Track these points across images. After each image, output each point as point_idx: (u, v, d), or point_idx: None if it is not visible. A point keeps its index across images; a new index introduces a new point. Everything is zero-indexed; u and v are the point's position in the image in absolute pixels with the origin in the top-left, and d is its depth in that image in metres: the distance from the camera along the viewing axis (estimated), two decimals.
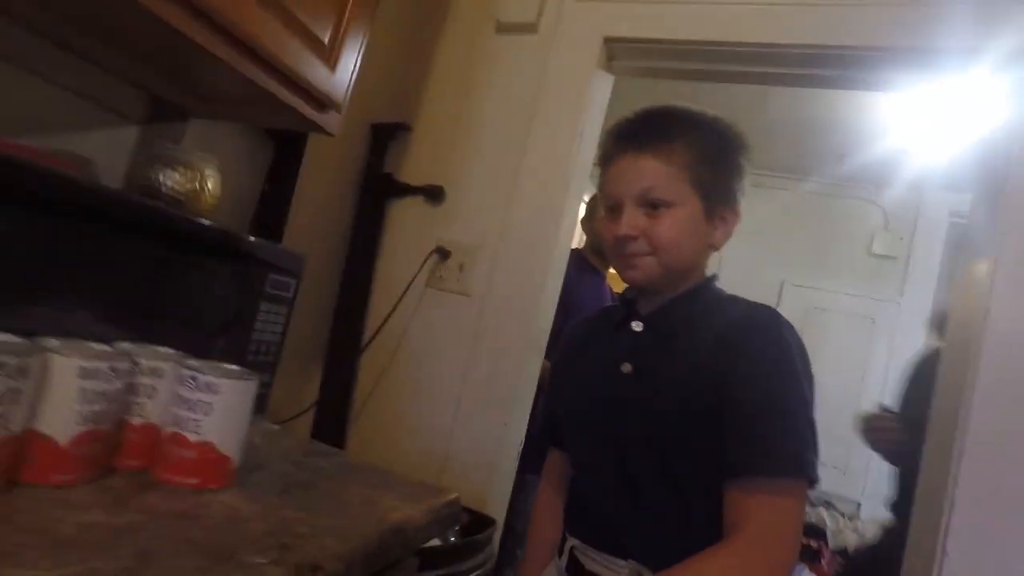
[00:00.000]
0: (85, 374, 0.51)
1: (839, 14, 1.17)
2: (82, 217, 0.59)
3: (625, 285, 0.85)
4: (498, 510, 1.30)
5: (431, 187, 1.44)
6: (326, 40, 0.86)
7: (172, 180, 0.87)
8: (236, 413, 0.60)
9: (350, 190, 1.45)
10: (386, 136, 1.46)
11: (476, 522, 1.17)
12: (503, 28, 1.47)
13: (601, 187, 0.80)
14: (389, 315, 1.35)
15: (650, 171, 0.74)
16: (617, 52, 1.40)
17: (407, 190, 1.45)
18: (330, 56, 0.88)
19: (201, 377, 0.58)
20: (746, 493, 0.66)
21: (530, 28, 1.44)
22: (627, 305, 0.83)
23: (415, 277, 1.37)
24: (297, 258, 0.88)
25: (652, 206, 0.74)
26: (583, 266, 1.74)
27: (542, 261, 1.33)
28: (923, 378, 1.51)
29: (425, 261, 1.38)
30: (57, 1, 0.69)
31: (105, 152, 0.92)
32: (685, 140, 0.74)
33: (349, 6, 0.89)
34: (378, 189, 1.45)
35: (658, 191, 0.73)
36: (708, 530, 0.68)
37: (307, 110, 0.89)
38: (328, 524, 0.58)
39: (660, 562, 0.67)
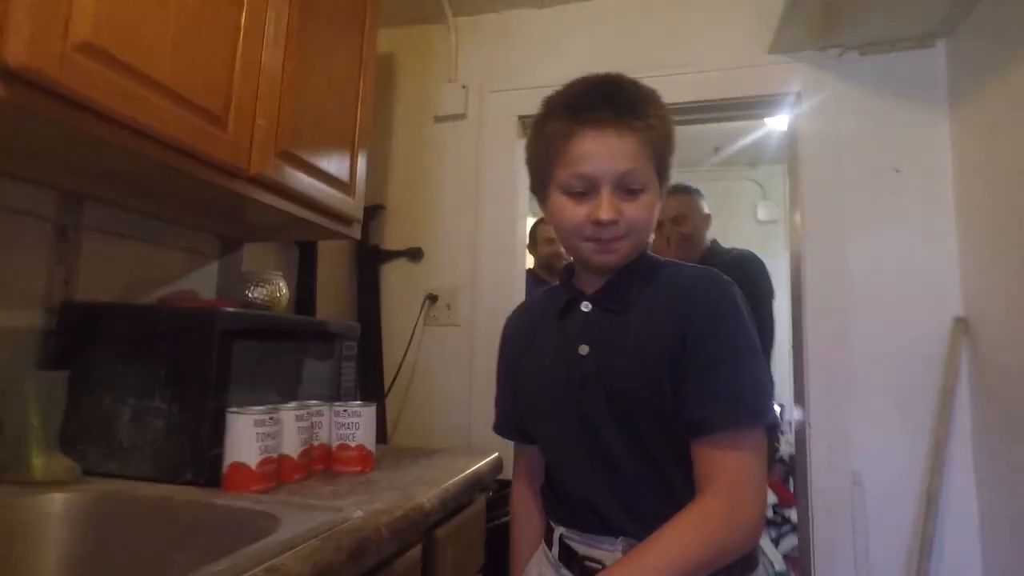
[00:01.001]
0: (258, 424, 0.89)
1: (702, 78, 1.69)
2: (257, 336, 0.99)
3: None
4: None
5: (412, 249, 1.87)
6: (347, 179, 1.28)
7: (259, 293, 1.27)
8: (370, 426, 1.02)
9: (350, 264, 1.86)
10: (368, 217, 1.87)
11: (501, 485, 1.60)
12: (440, 119, 1.92)
13: (557, 163, 0.72)
14: (405, 355, 1.77)
15: (630, 153, 0.69)
16: (528, 124, 1.87)
17: (393, 255, 1.87)
18: (350, 189, 1.30)
19: (350, 408, 0.99)
20: (713, 447, 0.66)
21: (461, 116, 1.90)
22: (569, 288, 0.81)
23: (418, 319, 1.80)
24: (353, 327, 1.29)
25: (628, 190, 0.70)
26: (537, 282, 2.20)
27: (507, 288, 1.79)
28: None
29: (423, 306, 1.80)
30: (160, 188, 1.07)
31: (199, 282, 1.30)
32: (655, 118, 0.71)
33: (356, 144, 1.31)
34: (370, 258, 1.86)
35: (636, 174, 0.70)
36: (691, 491, 0.68)
37: (337, 227, 1.31)
38: (431, 477, 1.01)
39: (650, 532, 0.65)
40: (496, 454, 1.24)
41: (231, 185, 0.97)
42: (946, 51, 1.53)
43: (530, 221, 2.22)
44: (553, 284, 0.88)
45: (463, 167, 1.88)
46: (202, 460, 0.85)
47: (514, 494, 0.90)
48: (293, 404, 0.96)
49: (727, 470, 0.65)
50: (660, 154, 0.73)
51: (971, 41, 1.44)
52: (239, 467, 0.84)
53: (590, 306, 0.77)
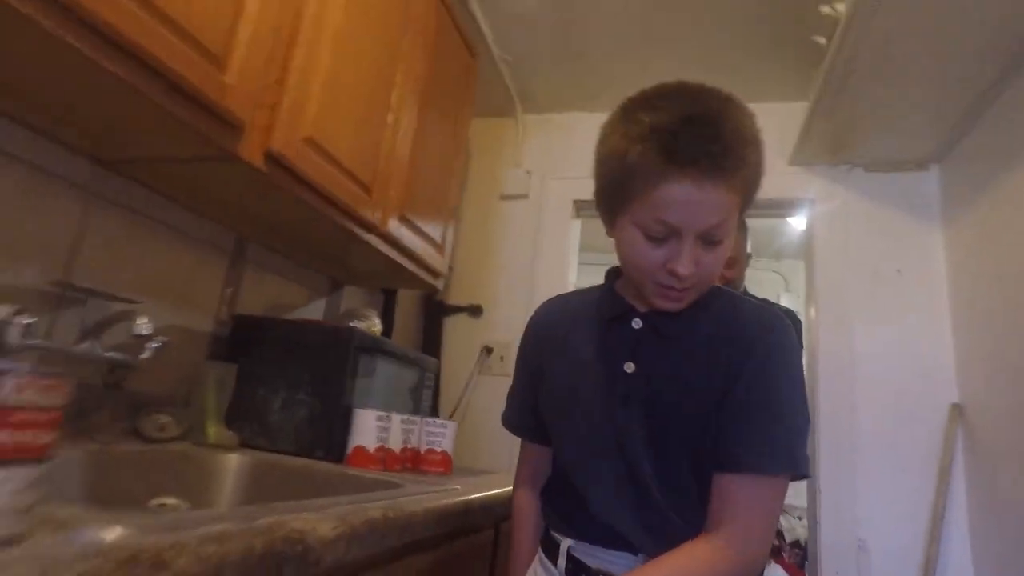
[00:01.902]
0: (378, 419, 1.15)
1: None
2: (373, 355, 1.26)
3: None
4: None
5: (473, 306, 2.15)
6: (440, 241, 1.59)
7: (359, 325, 1.55)
8: (452, 439, 1.26)
9: (418, 313, 2.15)
10: None
11: None
12: (505, 197, 2.26)
13: (638, 199, 0.66)
14: (461, 397, 2.02)
15: (721, 206, 0.64)
16: (582, 207, 2.20)
17: (456, 309, 2.16)
18: (442, 249, 1.60)
19: (438, 421, 1.24)
20: (739, 486, 0.66)
21: (524, 196, 2.24)
22: (617, 299, 0.78)
23: (474, 367, 2.05)
24: (435, 363, 1.56)
25: (710, 240, 0.66)
26: None
27: None
28: None
29: (479, 357, 2.07)
30: (307, 236, 1.38)
31: (312, 312, 1.59)
32: (750, 165, 0.65)
33: (448, 214, 1.63)
34: (437, 310, 2.15)
35: (724, 227, 0.65)
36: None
37: (428, 277, 1.60)
38: (496, 483, 1.23)
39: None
40: None
41: (366, 237, 1.28)
42: (939, 174, 1.82)
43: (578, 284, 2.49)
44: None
45: (522, 239, 2.20)
46: (332, 442, 1.11)
47: (518, 496, 0.87)
48: (396, 411, 1.22)
49: (747, 511, 0.65)
50: (749, 198, 0.68)
51: (960, 166, 1.73)
52: (360, 449, 1.09)
53: (641, 323, 0.74)
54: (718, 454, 0.67)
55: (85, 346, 0.92)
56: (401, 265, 1.46)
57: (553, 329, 0.84)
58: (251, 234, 1.33)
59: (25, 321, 0.80)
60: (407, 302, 2.06)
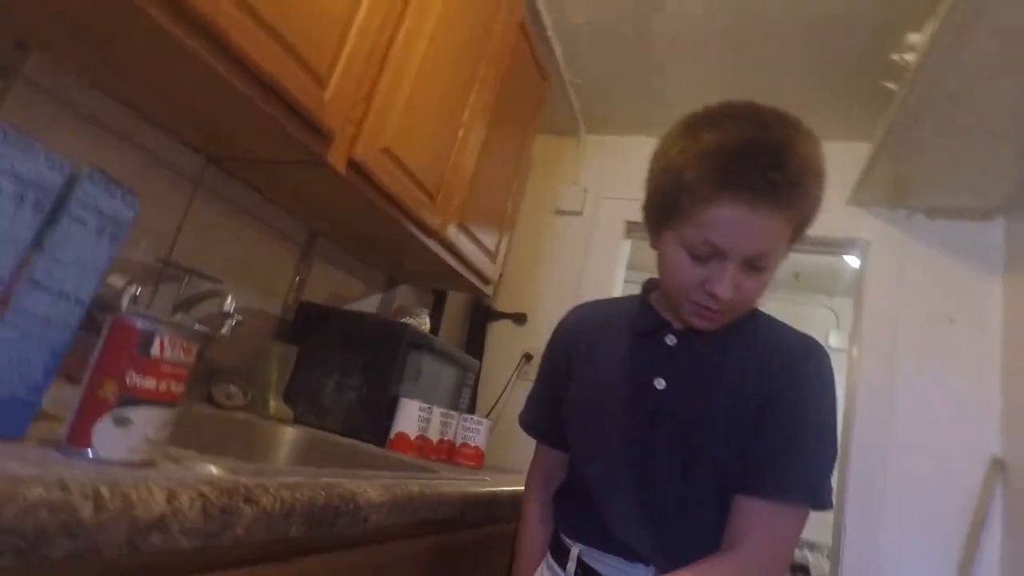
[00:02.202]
0: (420, 409, 1.24)
1: None
2: (422, 351, 1.36)
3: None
4: None
5: (518, 313, 2.24)
6: (494, 250, 1.68)
7: (411, 321, 1.66)
8: (485, 435, 1.34)
9: (464, 316, 2.25)
10: None
11: None
12: (560, 212, 2.34)
13: (685, 216, 0.65)
14: (498, 399, 2.10)
15: (771, 234, 0.63)
16: (633, 227, 2.25)
17: (501, 315, 2.25)
18: (494, 257, 1.70)
19: (474, 418, 1.33)
20: (760, 510, 0.65)
21: (577, 213, 2.31)
22: (652, 313, 0.77)
23: (513, 372, 2.13)
24: (476, 364, 1.65)
25: (754, 266, 0.64)
26: None
27: None
28: None
29: (519, 363, 2.15)
30: (374, 235, 1.50)
31: (368, 306, 1.71)
32: (811, 198, 0.64)
33: (504, 226, 1.72)
34: (482, 315, 2.25)
35: (771, 255, 0.64)
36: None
37: (479, 283, 1.69)
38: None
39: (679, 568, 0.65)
40: None
41: (426, 241, 1.38)
42: (1005, 225, 1.79)
43: None
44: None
45: (572, 253, 2.27)
46: (377, 426, 1.21)
47: (529, 497, 0.87)
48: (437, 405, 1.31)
49: (765, 536, 0.65)
50: (802, 229, 0.67)
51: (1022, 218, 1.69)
52: (402, 436, 1.18)
53: (675, 340, 0.74)
54: (742, 476, 0.67)
55: (178, 317, 1.06)
56: (455, 269, 1.56)
57: (583, 336, 0.83)
58: (322, 229, 1.46)
59: (135, 291, 0.94)
60: (456, 304, 2.16)
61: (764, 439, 0.67)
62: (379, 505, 0.65)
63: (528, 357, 2.17)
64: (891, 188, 1.82)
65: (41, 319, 0.43)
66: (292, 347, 1.29)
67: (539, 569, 0.81)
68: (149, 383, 0.45)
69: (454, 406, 1.53)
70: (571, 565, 0.75)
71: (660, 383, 0.72)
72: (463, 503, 0.89)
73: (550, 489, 0.84)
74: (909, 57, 1.48)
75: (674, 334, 0.74)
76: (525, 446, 2.05)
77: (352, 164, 1.07)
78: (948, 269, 1.81)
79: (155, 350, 0.45)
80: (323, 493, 0.57)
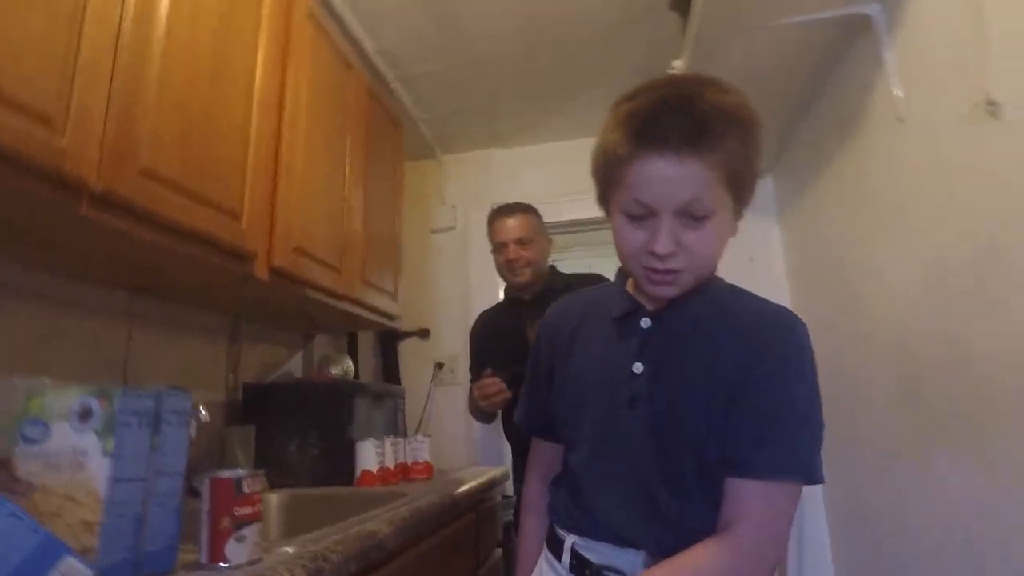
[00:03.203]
0: (375, 446, 1.51)
1: None
2: (359, 396, 1.60)
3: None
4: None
5: (421, 330, 2.51)
6: (393, 290, 1.94)
7: (336, 369, 1.88)
8: (428, 450, 1.63)
9: (375, 345, 2.48)
10: None
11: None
12: (435, 231, 2.62)
13: (617, 183, 0.67)
14: (424, 407, 2.38)
15: (694, 180, 0.62)
16: None
17: (407, 335, 2.51)
18: (395, 296, 1.95)
19: (418, 439, 1.61)
20: (753, 491, 0.65)
21: (451, 228, 2.60)
22: (626, 296, 0.77)
23: (431, 381, 2.42)
24: (402, 390, 1.91)
25: (691, 217, 0.64)
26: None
27: None
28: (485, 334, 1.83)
29: (434, 372, 2.43)
30: (294, 310, 1.70)
31: (293, 364, 1.90)
32: (732, 138, 0.63)
33: (398, 263, 1.97)
34: (390, 338, 2.49)
35: (702, 202, 0.63)
36: (714, 524, 0.67)
37: (388, 322, 1.94)
38: (467, 478, 1.63)
39: (673, 554, 0.65)
40: (502, 469, 1.86)
41: (340, 305, 1.61)
42: (772, 181, 2.35)
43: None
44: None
45: (455, 267, 2.57)
46: (343, 471, 1.45)
47: (528, 488, 0.90)
48: (386, 437, 1.58)
49: (760, 516, 0.65)
50: (736, 173, 0.65)
51: (786, 174, 2.25)
52: (367, 472, 1.44)
53: (650, 323, 0.74)
54: (731, 458, 0.66)
55: None
56: (365, 317, 1.80)
57: (563, 327, 0.84)
58: (244, 314, 1.63)
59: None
60: (366, 335, 2.38)
61: (750, 418, 0.67)
62: (393, 533, 0.93)
63: (440, 365, 2.46)
64: None
65: (168, 494, 0.66)
66: (249, 427, 1.48)
67: (538, 564, 0.84)
68: (247, 510, 0.69)
69: (394, 431, 1.80)
70: (566, 556, 0.76)
71: (638, 367, 0.72)
72: (439, 510, 1.19)
73: (548, 478, 0.86)
74: (678, 63, 1.91)
75: (648, 316, 0.75)
76: (454, 445, 2.36)
77: (273, 270, 1.28)
78: (745, 220, 2.35)
79: (246, 488, 0.70)
80: (358, 538, 0.84)
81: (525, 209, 1.77)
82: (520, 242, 1.71)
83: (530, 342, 0.93)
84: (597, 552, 0.74)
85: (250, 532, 0.69)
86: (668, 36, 1.83)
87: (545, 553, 0.82)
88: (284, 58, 1.37)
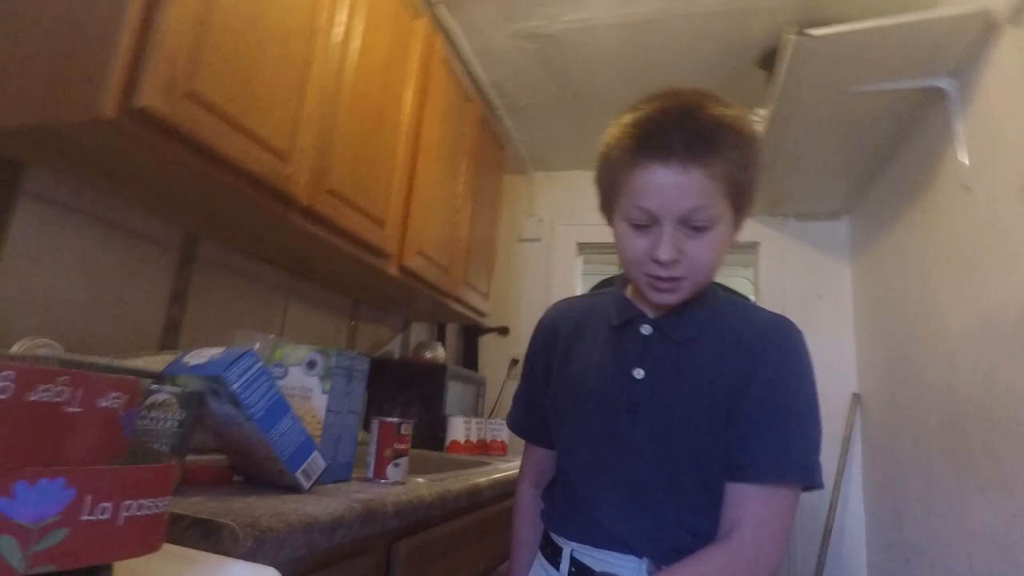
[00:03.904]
0: (463, 422, 1.79)
1: None
2: (451, 379, 1.89)
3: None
4: None
5: (501, 327, 2.79)
6: (487, 291, 2.22)
7: (430, 354, 2.18)
8: (504, 431, 1.90)
9: (459, 337, 2.78)
10: None
11: None
12: (523, 240, 2.89)
13: (621, 192, 0.69)
14: (497, 398, 2.66)
15: (697, 189, 0.64)
16: (583, 247, 2.83)
17: (489, 330, 2.79)
18: (487, 296, 2.23)
19: (496, 421, 1.88)
20: (752, 495, 0.66)
21: (538, 240, 2.86)
22: (627, 304, 0.79)
23: (506, 375, 2.69)
24: (483, 378, 2.19)
25: (693, 227, 0.65)
26: None
27: None
28: None
29: (509, 367, 2.71)
30: (401, 297, 2.01)
31: (395, 346, 2.22)
32: (732, 150, 0.65)
33: (493, 266, 2.25)
34: (473, 332, 2.78)
35: (704, 211, 0.64)
36: (715, 531, 0.68)
37: (477, 317, 2.23)
38: None
39: (673, 560, 0.66)
40: None
41: (445, 301, 1.91)
42: (848, 223, 2.46)
43: None
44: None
45: (538, 272, 2.83)
46: (435, 439, 1.74)
47: (521, 495, 0.91)
48: (472, 416, 1.86)
49: (760, 520, 0.65)
50: (736, 185, 0.66)
51: (862, 217, 2.36)
52: (455, 442, 1.73)
53: (651, 329, 0.75)
54: (731, 463, 0.67)
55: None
56: (461, 312, 2.09)
57: (561, 331, 0.85)
58: (363, 299, 1.95)
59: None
60: (452, 326, 2.69)
61: (749, 423, 0.67)
62: (489, 486, 1.20)
63: (515, 362, 2.73)
64: (769, 201, 2.46)
65: (352, 426, 0.96)
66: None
67: (532, 570, 0.84)
68: (402, 446, 0.98)
69: (475, 412, 2.08)
70: (565, 564, 0.76)
71: (639, 373, 0.73)
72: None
73: (542, 486, 0.87)
74: (763, 112, 2.08)
75: (649, 323, 0.76)
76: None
77: (402, 268, 1.58)
78: (815, 258, 2.48)
79: (403, 430, 0.98)
80: (463, 486, 1.11)
81: None
82: None
83: None
84: (597, 559, 0.73)
85: (402, 462, 0.97)
86: (753, 90, 2.01)
87: (540, 560, 0.82)
88: (423, 97, 1.67)
